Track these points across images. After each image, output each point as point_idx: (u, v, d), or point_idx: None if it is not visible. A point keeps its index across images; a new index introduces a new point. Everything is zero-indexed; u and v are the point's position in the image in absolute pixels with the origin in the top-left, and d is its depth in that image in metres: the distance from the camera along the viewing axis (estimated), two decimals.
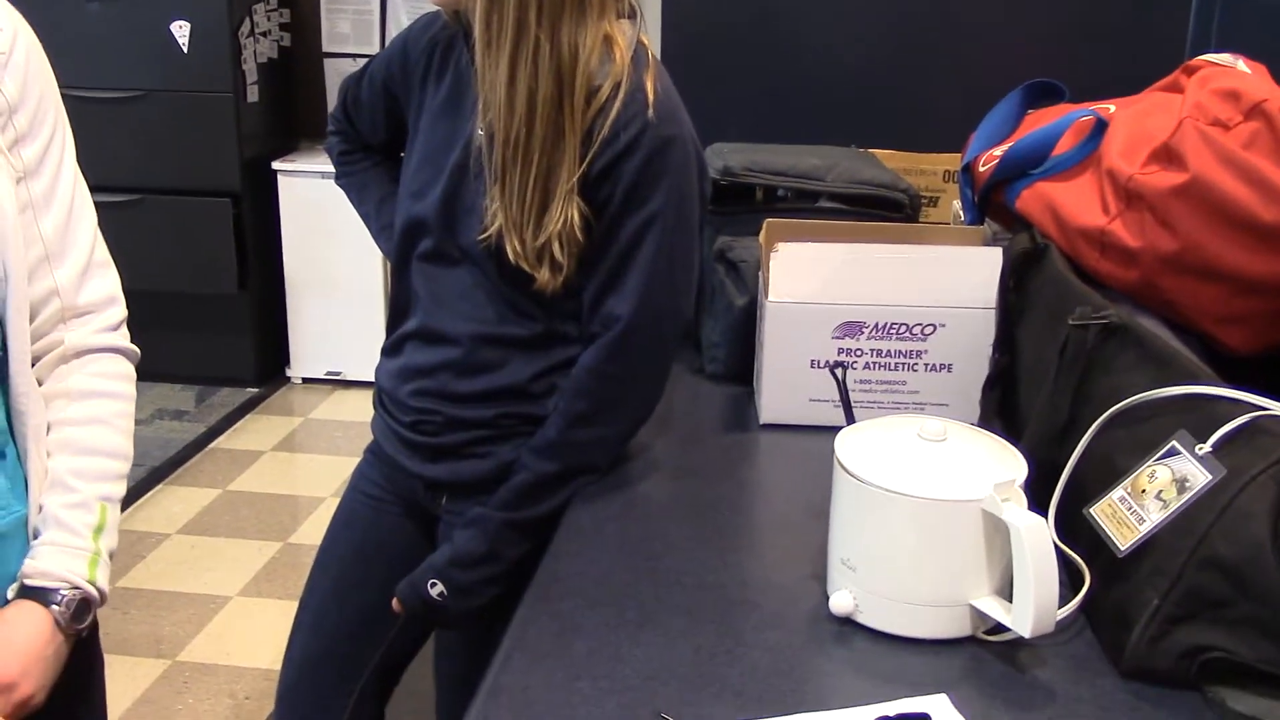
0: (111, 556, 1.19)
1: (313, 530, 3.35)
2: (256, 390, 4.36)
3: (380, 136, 1.64)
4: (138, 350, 1.24)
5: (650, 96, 1.37)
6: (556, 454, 1.41)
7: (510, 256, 1.37)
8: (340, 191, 1.71)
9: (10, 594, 1.13)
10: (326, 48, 4.49)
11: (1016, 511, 0.99)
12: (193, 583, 3.13)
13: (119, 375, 1.21)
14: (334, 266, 4.28)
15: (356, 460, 1.67)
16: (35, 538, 1.14)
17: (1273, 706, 0.95)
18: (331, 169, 1.72)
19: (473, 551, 1.42)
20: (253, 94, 4.23)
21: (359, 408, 4.19)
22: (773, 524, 1.36)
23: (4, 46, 1.10)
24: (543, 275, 1.38)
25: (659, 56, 1.45)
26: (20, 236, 1.08)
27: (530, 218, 1.36)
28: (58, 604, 1.12)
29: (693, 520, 1.33)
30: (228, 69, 4.10)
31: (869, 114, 2.76)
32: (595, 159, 1.36)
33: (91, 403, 1.17)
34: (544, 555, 1.25)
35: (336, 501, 1.67)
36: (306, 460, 3.90)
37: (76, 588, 1.13)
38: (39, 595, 1.12)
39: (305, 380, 4.45)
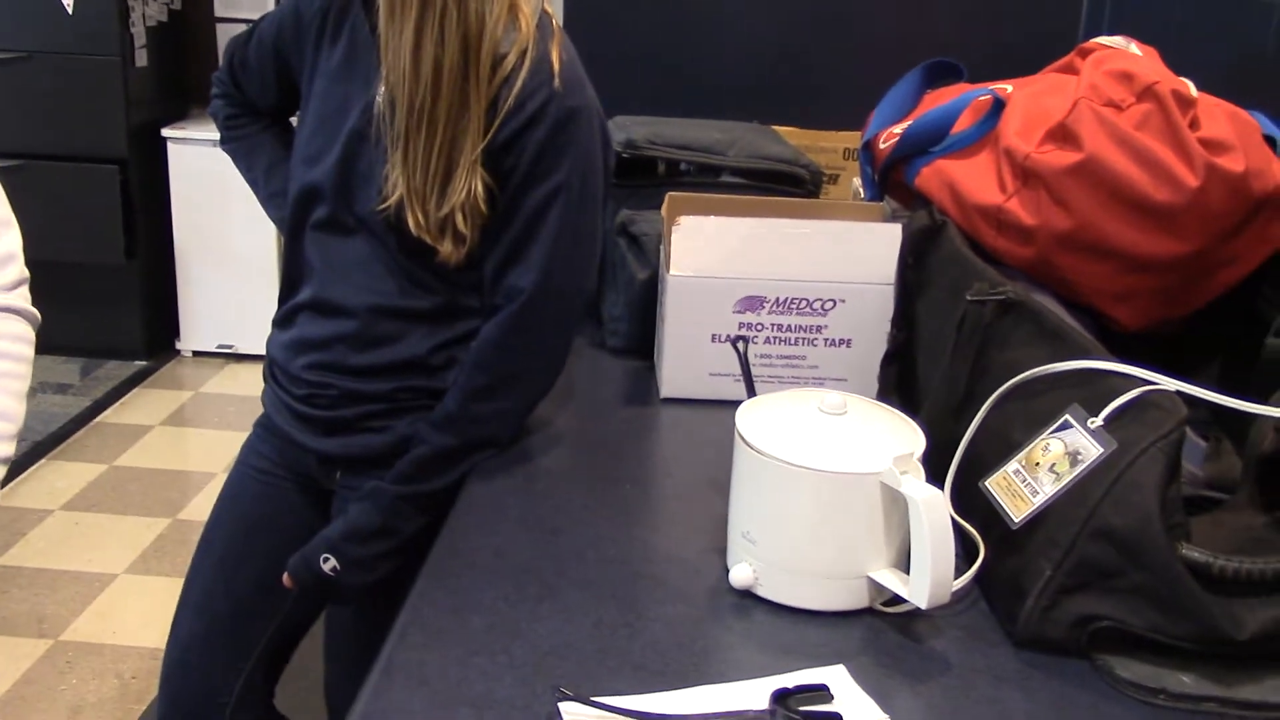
0: None
1: (202, 506, 3.28)
2: (145, 363, 4.24)
3: (269, 100, 1.59)
4: (37, 314, 1.20)
5: (556, 66, 1.35)
6: (455, 428, 1.39)
7: (411, 228, 1.35)
8: (222, 148, 1.66)
9: None
10: (219, 12, 4.36)
11: (914, 484, 1.00)
12: (77, 561, 3.04)
13: (9, 335, 1.17)
14: (226, 237, 4.17)
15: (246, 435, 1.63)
16: None
17: (1158, 673, 0.97)
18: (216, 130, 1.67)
19: (367, 525, 1.39)
20: (141, 58, 4.10)
21: (251, 381, 4.10)
22: (674, 498, 1.36)
23: None
24: (445, 247, 1.36)
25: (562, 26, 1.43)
26: None
27: (433, 188, 1.34)
28: None
29: (593, 494, 1.32)
30: (115, 32, 3.97)
31: (771, 90, 2.77)
32: (500, 129, 1.34)
33: None
34: (441, 530, 1.24)
35: (224, 478, 1.63)
36: (196, 435, 3.81)
37: None
38: None
39: (196, 353, 4.35)
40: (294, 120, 1.56)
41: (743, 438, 1.09)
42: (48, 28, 3.93)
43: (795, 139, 2.14)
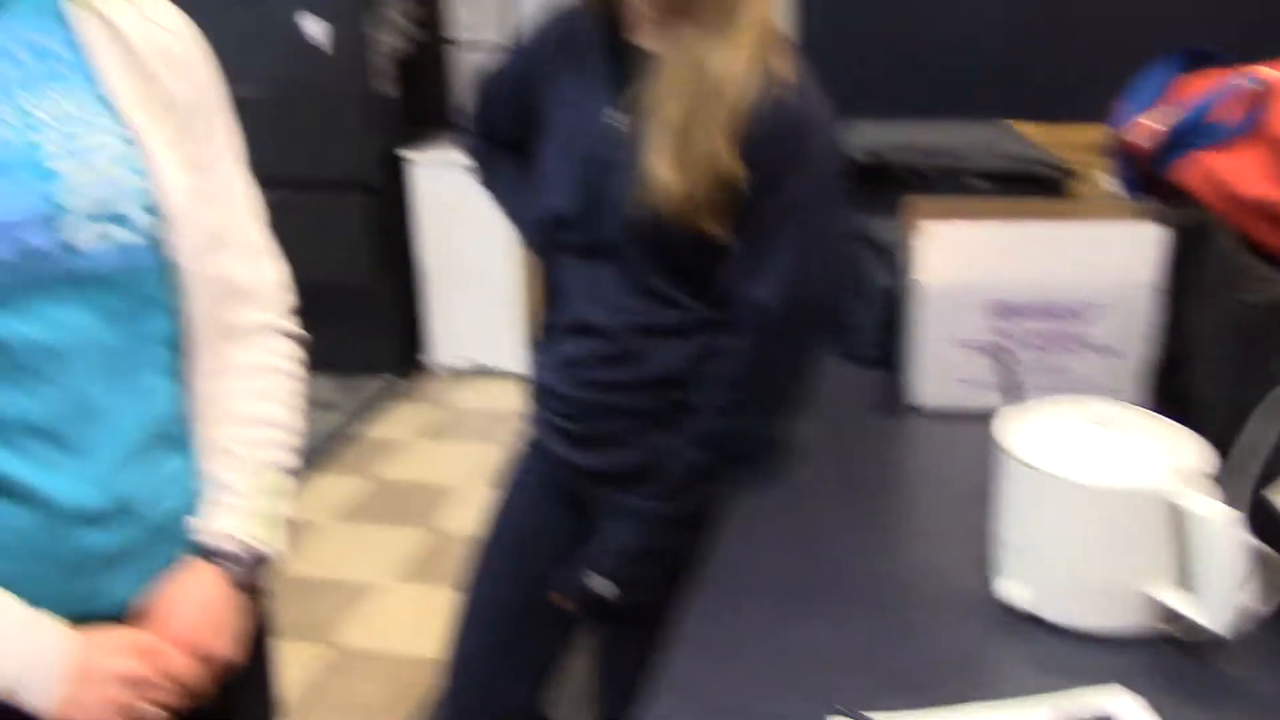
0: (284, 522, 1.22)
1: (459, 518, 3.41)
2: (399, 379, 4.44)
3: (515, 131, 1.65)
4: (305, 334, 1.28)
5: (785, 77, 1.37)
6: (709, 443, 1.41)
7: (672, 214, 1.37)
8: (475, 181, 1.73)
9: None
10: (456, 37, 4.55)
11: (1203, 501, 0.96)
12: (346, 569, 3.21)
13: (285, 354, 1.25)
14: (470, 256, 4.33)
15: (499, 448, 1.69)
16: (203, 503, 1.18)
17: None
18: (464, 160, 1.74)
19: (631, 544, 1.43)
20: (385, 86, 4.30)
21: (499, 396, 4.24)
22: (933, 509, 1.34)
23: (177, 48, 1.15)
24: (711, 226, 1.37)
25: (793, 30, 1.44)
26: (194, 224, 1.13)
27: (687, 175, 1.36)
28: (229, 561, 1.16)
29: (852, 507, 1.32)
30: (361, 63, 4.18)
31: (1008, 85, 2.69)
32: (736, 141, 1.36)
33: (254, 378, 1.22)
34: (706, 546, 1.26)
35: (480, 489, 1.70)
36: (450, 448, 3.96)
37: (246, 545, 1.17)
38: (211, 554, 1.16)
39: (445, 369, 4.53)
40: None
41: (1011, 450, 1.07)
42: (298, 62, 4.17)
43: (1036, 136, 2.08)
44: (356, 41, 4.15)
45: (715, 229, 1.38)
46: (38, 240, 1.01)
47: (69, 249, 1.03)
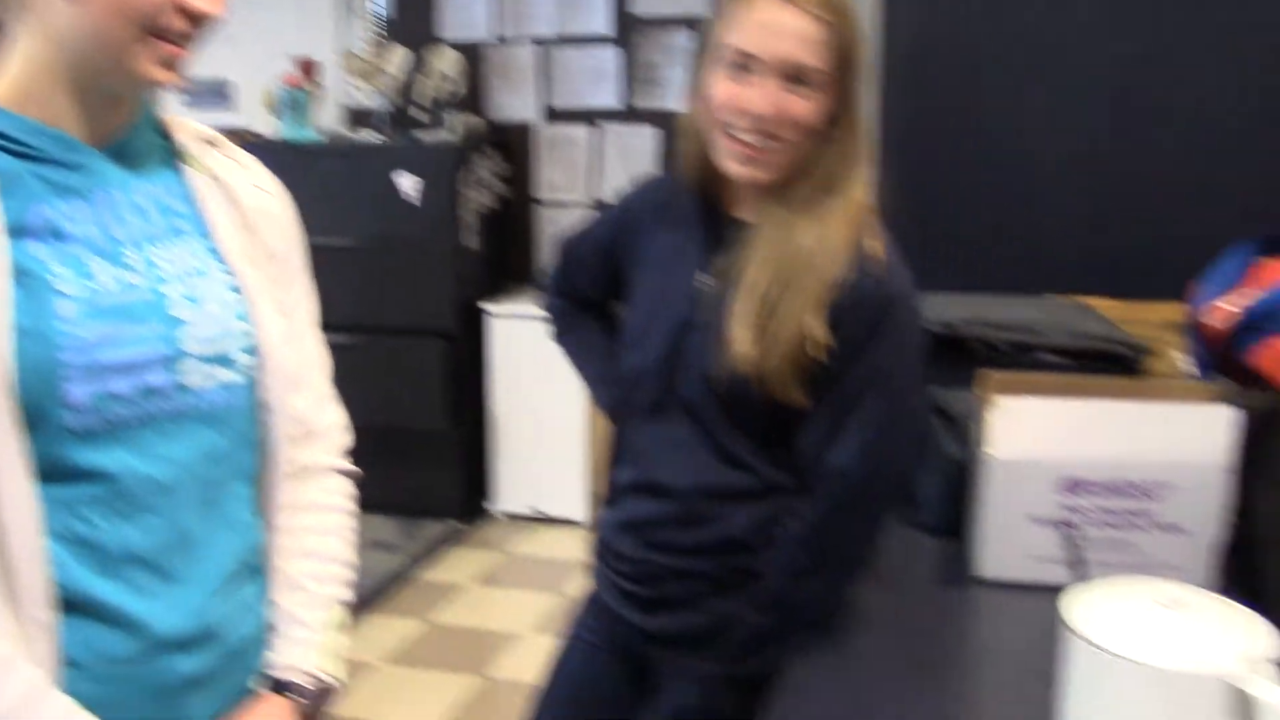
0: (345, 655, 1.25)
1: (509, 665, 3.39)
2: (461, 524, 4.47)
3: (599, 293, 1.69)
4: (360, 471, 1.33)
5: (875, 254, 1.39)
6: (776, 608, 1.40)
7: (744, 379, 1.39)
8: (549, 337, 1.76)
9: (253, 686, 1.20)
10: (539, 195, 4.69)
11: (1271, 687, 0.94)
12: (395, 714, 3.19)
13: (343, 493, 1.31)
14: (539, 406, 4.39)
15: (557, 597, 1.69)
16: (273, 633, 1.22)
17: None
18: (539, 311, 1.77)
19: (691, 709, 1.41)
20: (470, 240, 4.43)
21: (558, 544, 4.24)
22: (993, 683, 1.32)
23: (274, 208, 1.24)
24: (796, 396, 1.39)
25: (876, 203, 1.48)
26: (282, 365, 1.20)
27: (766, 341, 1.38)
28: (300, 694, 1.20)
29: (911, 678, 1.30)
30: (448, 217, 4.31)
31: (1085, 261, 2.72)
32: (823, 312, 1.38)
33: (322, 515, 1.27)
34: (762, 713, 1.24)
35: (534, 638, 1.69)
36: (505, 595, 3.95)
37: (316, 678, 1.21)
38: (283, 687, 1.20)
39: (507, 515, 4.55)
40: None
41: (1077, 629, 1.05)
42: (389, 216, 4.32)
43: (1110, 312, 2.09)
44: (446, 197, 4.29)
45: (793, 395, 1.40)
46: (157, 380, 1.08)
47: (182, 388, 1.10)
